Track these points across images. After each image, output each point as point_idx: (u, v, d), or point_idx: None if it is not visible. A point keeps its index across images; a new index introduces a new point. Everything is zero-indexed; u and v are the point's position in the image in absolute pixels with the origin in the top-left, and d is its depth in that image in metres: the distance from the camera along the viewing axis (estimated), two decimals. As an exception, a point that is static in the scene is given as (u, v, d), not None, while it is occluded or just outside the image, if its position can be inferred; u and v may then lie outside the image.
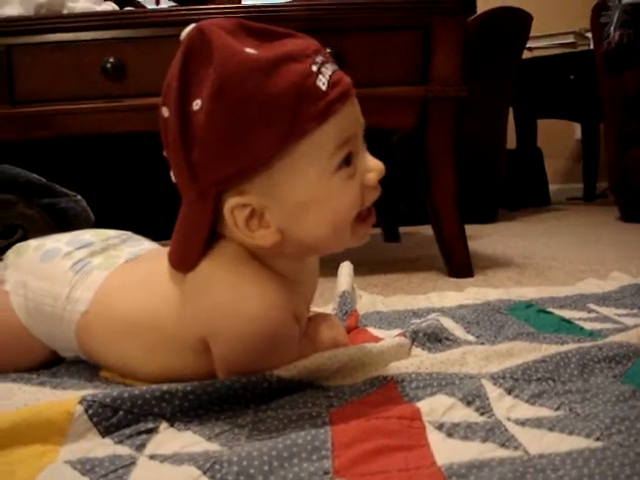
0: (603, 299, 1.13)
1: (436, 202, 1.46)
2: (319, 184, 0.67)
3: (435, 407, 0.65)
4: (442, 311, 1.06)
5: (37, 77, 1.39)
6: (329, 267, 1.23)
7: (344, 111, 0.66)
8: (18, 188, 2.18)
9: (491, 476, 0.51)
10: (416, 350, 0.85)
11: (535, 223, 2.71)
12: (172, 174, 0.70)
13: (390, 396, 0.70)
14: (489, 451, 0.57)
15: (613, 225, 2.50)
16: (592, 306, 1.09)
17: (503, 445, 0.58)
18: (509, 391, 0.69)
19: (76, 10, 1.43)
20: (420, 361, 0.78)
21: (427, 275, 1.50)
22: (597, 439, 0.58)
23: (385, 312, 1.09)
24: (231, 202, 0.67)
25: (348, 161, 0.67)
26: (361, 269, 1.62)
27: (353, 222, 0.70)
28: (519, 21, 2.60)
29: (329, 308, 1.07)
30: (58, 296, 0.81)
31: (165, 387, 0.68)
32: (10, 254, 0.90)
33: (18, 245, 0.91)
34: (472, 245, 2.00)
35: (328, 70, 0.66)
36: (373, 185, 0.69)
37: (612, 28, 2.37)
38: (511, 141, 3.33)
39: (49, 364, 0.89)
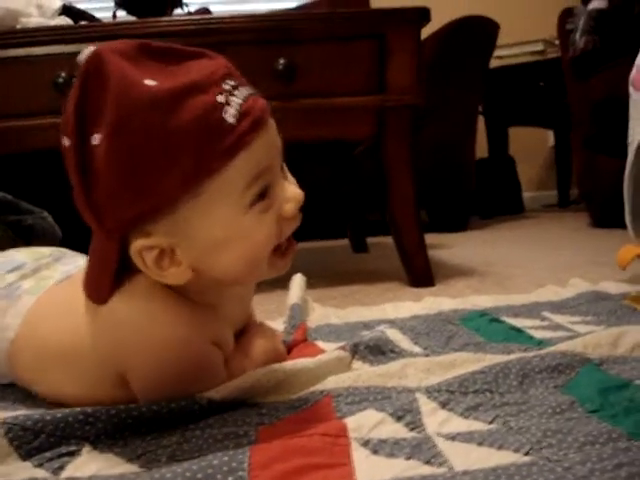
0: (559, 307, 1.12)
1: (395, 211, 1.45)
2: (231, 222, 0.63)
3: (363, 423, 0.63)
4: (393, 322, 1.04)
5: (-11, 93, 1.37)
6: (283, 279, 1.22)
7: (257, 142, 0.62)
8: (-18, 205, 2.16)
9: (408, 495, 0.49)
10: (357, 363, 0.83)
11: (506, 231, 2.71)
12: (75, 201, 0.65)
13: (322, 412, 0.68)
14: (412, 468, 0.55)
15: (583, 231, 2.50)
16: (546, 314, 1.08)
17: (428, 462, 0.56)
18: (443, 405, 0.67)
19: (30, 25, 1.41)
20: (358, 375, 0.76)
21: (388, 286, 1.49)
22: (526, 453, 0.56)
23: (336, 324, 1.07)
24: (137, 244, 0.63)
25: (263, 194, 0.64)
26: (322, 280, 1.60)
27: (271, 255, 0.67)
28: (485, 30, 2.61)
29: (280, 322, 1.05)
30: None
31: (89, 410, 0.66)
32: None
33: None
34: (438, 254, 2.00)
35: (238, 98, 0.61)
36: (291, 216, 0.66)
37: (578, 35, 2.38)
38: (483, 150, 3.34)
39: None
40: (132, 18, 1.57)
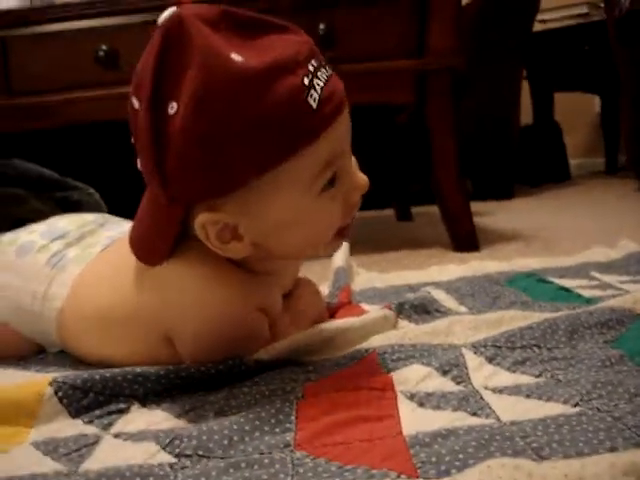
0: (607, 267, 1.10)
1: (438, 176, 1.43)
2: (301, 207, 0.63)
3: (409, 377, 0.63)
4: (438, 284, 1.03)
5: (33, 67, 1.39)
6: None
7: (335, 127, 0.61)
8: (29, 183, 2.19)
9: (455, 444, 0.49)
10: (402, 322, 0.83)
11: (552, 198, 2.66)
12: (139, 163, 0.66)
13: (369, 368, 0.68)
14: (459, 420, 0.54)
15: (631, 197, 2.44)
16: (594, 274, 1.06)
17: (475, 414, 0.55)
18: (490, 359, 0.66)
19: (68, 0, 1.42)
20: (404, 332, 0.76)
21: (433, 252, 1.47)
22: (575, 405, 0.55)
23: (380, 288, 1.07)
24: (202, 217, 0.63)
25: (332, 180, 0.64)
26: (366, 248, 1.60)
27: (335, 236, 0.68)
28: (527, -7, 2.56)
29: (325, 285, 1.05)
30: (35, 293, 0.80)
31: (138, 370, 0.67)
32: None
33: None
34: (483, 221, 1.98)
35: (321, 80, 0.60)
36: (357, 203, 0.67)
37: (624, -6, 2.31)
38: (528, 116, 3.27)
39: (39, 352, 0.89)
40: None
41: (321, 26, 1.34)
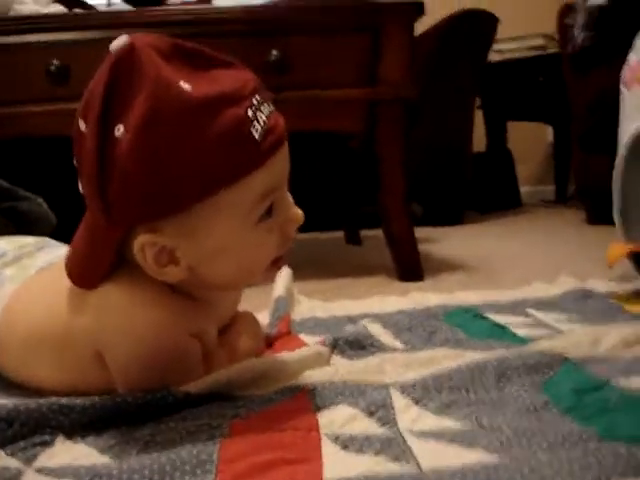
0: (545, 304, 1.11)
1: (385, 204, 1.45)
2: (237, 234, 0.65)
3: (335, 418, 0.63)
4: (377, 316, 1.04)
5: (-18, 78, 1.37)
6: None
7: (275, 160, 0.64)
8: (-24, 191, 2.15)
9: (372, 492, 0.49)
10: (336, 358, 0.83)
11: (502, 225, 2.70)
12: (80, 185, 0.66)
13: (297, 407, 0.68)
14: (379, 465, 0.55)
15: (578, 227, 2.49)
16: (531, 311, 1.07)
17: (396, 459, 0.56)
18: (417, 401, 0.67)
19: (23, 12, 1.40)
20: (336, 369, 0.76)
21: (377, 280, 1.49)
22: (494, 452, 0.56)
23: (321, 318, 1.07)
24: (142, 238, 0.64)
25: (269, 212, 0.66)
26: (312, 273, 1.60)
27: (270, 265, 0.71)
28: (485, 24, 2.60)
29: (265, 314, 1.05)
30: None
31: (64, 400, 0.66)
32: None
33: None
34: (430, 248, 2.00)
35: (263, 114, 0.62)
36: (292, 235, 0.70)
37: (577, 30, 2.37)
38: (481, 143, 3.33)
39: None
40: (126, 7, 1.56)
41: (274, 52, 1.35)
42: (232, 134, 0.60)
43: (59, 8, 1.47)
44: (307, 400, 0.69)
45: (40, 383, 0.78)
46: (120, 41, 0.61)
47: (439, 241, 2.20)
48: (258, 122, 0.61)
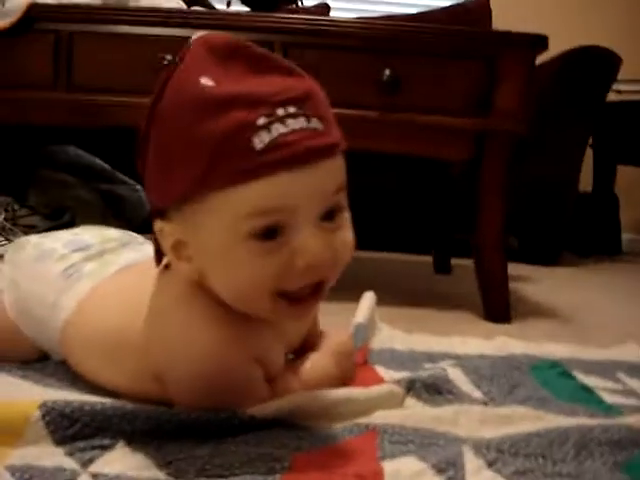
0: (637, 369, 1.05)
1: (480, 238, 1.40)
2: (225, 245, 0.61)
3: (402, 470, 0.60)
4: (459, 359, 1.00)
5: (95, 66, 1.40)
6: (357, 292, 1.20)
7: (278, 179, 0.58)
8: (79, 170, 2.22)
9: None
10: (410, 400, 0.79)
11: (600, 272, 2.59)
12: None
13: (363, 448, 0.65)
14: (443, 531, 0.51)
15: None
16: (621, 376, 1.01)
17: (462, 526, 0.52)
18: (490, 464, 0.63)
19: (142, 4, 1.43)
20: (408, 414, 0.73)
21: (462, 315, 1.44)
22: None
23: (399, 351, 1.04)
24: (157, 223, 0.66)
25: (273, 234, 0.60)
26: (396, 298, 1.57)
27: (277, 297, 0.63)
28: (605, 63, 2.49)
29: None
30: (45, 300, 0.81)
31: (129, 407, 0.66)
32: (10, 249, 0.90)
33: (19, 240, 0.91)
34: (522, 288, 1.93)
35: (285, 127, 0.58)
36: (299, 269, 0.60)
37: None
38: (587, 183, 3.21)
39: (44, 358, 0.89)
40: (244, 9, 1.57)
41: (386, 71, 1.32)
42: (229, 137, 0.57)
43: (179, 4, 1.49)
44: (374, 443, 0.66)
45: (101, 383, 0.78)
46: (192, 37, 0.63)
47: (532, 281, 2.12)
48: (268, 132, 0.57)
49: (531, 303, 1.68)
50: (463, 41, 1.36)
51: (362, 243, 2.36)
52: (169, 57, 1.34)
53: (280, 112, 0.58)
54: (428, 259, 2.21)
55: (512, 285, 1.94)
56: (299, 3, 1.61)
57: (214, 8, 1.56)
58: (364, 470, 0.59)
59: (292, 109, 0.58)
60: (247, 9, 1.57)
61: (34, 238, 0.90)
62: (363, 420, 0.71)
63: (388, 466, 0.60)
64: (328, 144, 0.61)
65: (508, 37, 1.36)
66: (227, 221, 0.60)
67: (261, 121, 0.57)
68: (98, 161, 2.28)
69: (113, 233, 0.91)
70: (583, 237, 3.12)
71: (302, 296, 0.63)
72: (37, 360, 0.88)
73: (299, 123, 0.59)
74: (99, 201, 2.16)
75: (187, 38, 1.31)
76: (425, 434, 0.69)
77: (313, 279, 0.62)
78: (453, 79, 1.35)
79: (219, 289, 0.65)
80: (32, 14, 1.38)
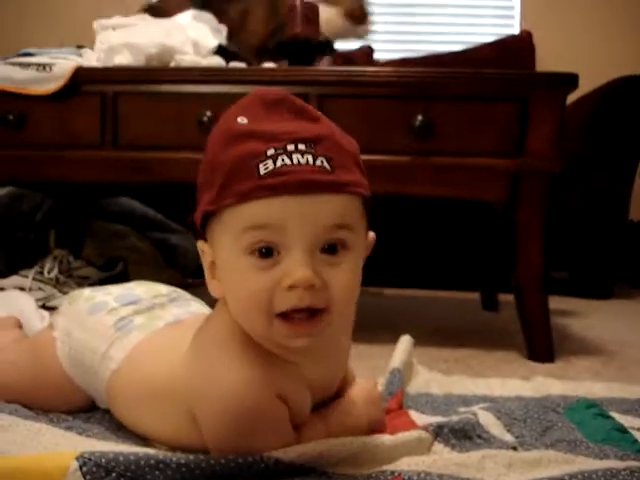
0: (677, 408, 1.03)
1: (520, 279, 1.40)
2: (229, 260, 0.68)
3: (421, 517, 0.61)
4: (493, 401, 1.01)
5: (140, 124, 1.46)
6: (396, 335, 1.21)
7: (278, 203, 0.64)
8: (132, 220, 2.30)
9: None
10: (438, 446, 0.80)
11: (654, 304, 2.54)
12: None
13: (387, 496, 0.67)
14: None
15: None
16: (660, 415, 1.00)
17: None
18: (511, 509, 0.64)
19: (183, 63, 1.49)
20: (434, 460, 0.74)
21: (506, 355, 1.43)
22: None
23: (435, 395, 1.05)
24: (199, 243, 0.73)
25: (268, 254, 0.66)
26: (439, 336, 1.58)
27: (275, 318, 0.66)
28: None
29: (380, 382, 1.04)
30: (96, 350, 0.85)
31: (161, 456, 0.68)
32: (64, 301, 0.95)
33: (73, 293, 0.95)
34: (570, 323, 1.91)
35: (291, 161, 0.64)
36: (284, 287, 0.65)
37: None
38: (640, 213, 3.16)
39: (92, 408, 0.93)
40: (281, 61, 1.62)
41: (419, 117, 1.35)
42: (239, 162, 0.65)
43: (218, 60, 1.55)
44: (398, 490, 0.68)
45: (146, 433, 0.82)
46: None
47: (582, 316, 2.10)
48: (274, 162, 0.64)
49: (578, 340, 1.66)
50: (494, 84, 1.38)
51: (410, 281, 2.37)
52: (208, 113, 1.40)
53: (290, 147, 0.65)
54: (476, 296, 2.21)
55: (560, 321, 1.94)
56: (335, 53, 1.65)
57: (251, 63, 1.62)
58: (384, 518, 0.60)
59: (302, 146, 0.65)
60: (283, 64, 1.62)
61: (87, 291, 0.94)
62: (389, 467, 0.72)
63: (408, 513, 0.62)
64: (329, 181, 0.66)
65: (539, 77, 1.38)
66: (232, 234, 0.67)
67: (270, 152, 0.65)
68: (151, 211, 2.36)
69: (162, 289, 0.96)
70: (637, 267, 3.07)
71: (296, 320, 0.66)
72: (85, 410, 0.92)
73: (305, 159, 0.65)
74: (152, 250, 2.23)
75: (227, 94, 1.39)
76: (450, 480, 0.70)
77: (301, 302, 0.65)
78: (485, 121, 1.37)
79: (229, 306, 0.71)
80: (78, 77, 1.45)
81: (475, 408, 0.94)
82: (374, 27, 2.00)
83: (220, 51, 1.57)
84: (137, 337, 0.84)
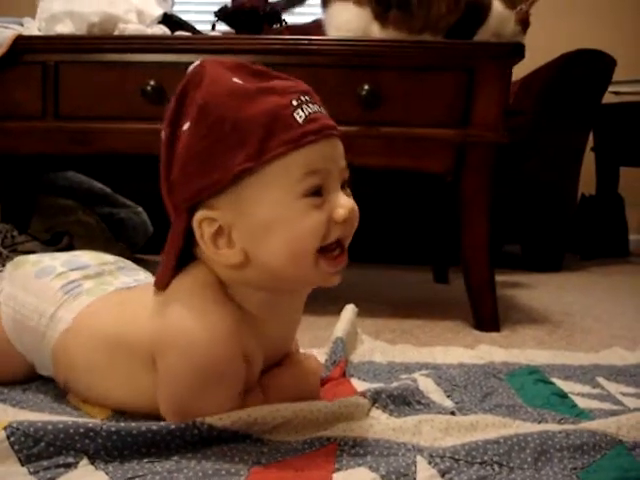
0: (617, 373, 1.05)
1: (466, 249, 1.41)
2: (283, 205, 0.68)
3: (350, 482, 0.61)
4: (435, 368, 1.01)
5: (82, 94, 1.42)
6: (339, 304, 1.21)
7: (318, 146, 0.69)
8: (79, 195, 2.25)
9: None
10: (376, 412, 0.81)
11: (603, 275, 2.57)
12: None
13: (320, 461, 0.67)
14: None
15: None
16: (600, 380, 1.01)
17: (403, 535, 0.53)
18: (443, 473, 0.64)
19: (127, 32, 1.46)
20: (369, 425, 0.74)
21: (452, 325, 1.44)
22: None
23: (378, 363, 1.05)
24: (199, 214, 0.70)
25: (318, 193, 0.70)
26: (389, 309, 1.58)
27: (319, 256, 0.70)
28: (600, 65, 2.49)
29: (323, 352, 1.04)
30: (43, 313, 0.83)
31: (90, 424, 0.67)
32: (9, 266, 0.93)
33: (18, 258, 0.93)
34: (519, 294, 1.94)
35: (310, 109, 0.69)
36: (340, 219, 0.70)
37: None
38: (591, 187, 3.20)
39: (30, 379, 0.91)
40: (228, 31, 1.59)
41: (365, 86, 1.34)
42: (273, 114, 0.67)
43: (162, 30, 1.51)
44: (332, 456, 0.68)
45: (91, 394, 0.82)
46: (193, 64, 0.72)
47: (530, 287, 2.12)
48: (302, 110, 0.68)
49: (524, 310, 1.68)
50: (440, 54, 1.37)
51: (361, 256, 2.35)
52: (152, 83, 1.37)
53: (302, 98, 0.69)
54: (427, 270, 2.22)
55: (509, 292, 1.96)
56: (284, 23, 1.63)
57: (198, 32, 1.58)
58: (313, 482, 0.60)
59: (307, 97, 0.70)
60: (231, 33, 1.59)
61: (33, 256, 0.93)
62: (325, 433, 0.72)
63: (338, 477, 0.62)
64: (336, 125, 0.72)
65: (484, 47, 1.37)
66: (286, 185, 0.68)
67: (294, 102, 0.68)
68: (99, 185, 2.31)
69: (109, 257, 0.95)
70: (589, 241, 3.11)
71: (335, 254, 0.72)
72: (22, 382, 0.90)
73: (315, 107, 0.70)
74: (100, 224, 2.19)
75: (172, 63, 1.36)
76: (385, 445, 0.70)
77: (349, 230, 0.72)
78: (432, 92, 1.36)
79: (271, 257, 0.70)
80: (19, 47, 1.41)
81: (415, 375, 0.94)
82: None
83: (165, 20, 1.54)
84: (86, 300, 0.83)
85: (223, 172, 0.68)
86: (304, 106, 0.69)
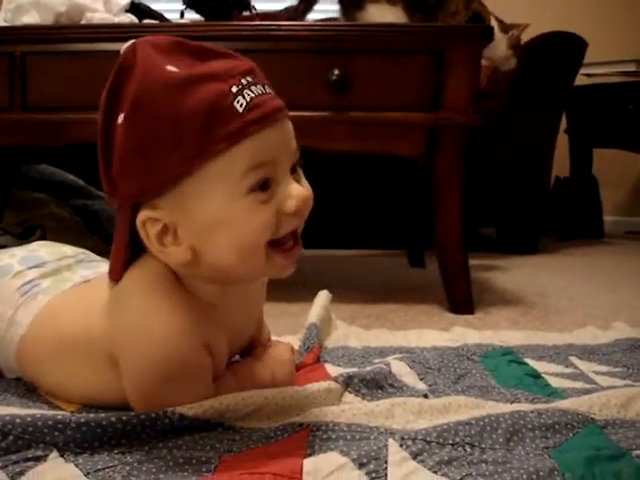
0: (589, 352, 1.06)
1: (439, 233, 1.41)
2: (227, 205, 0.66)
3: (322, 466, 0.61)
4: (409, 352, 1.01)
5: (50, 85, 1.41)
6: (314, 292, 1.21)
7: (262, 135, 0.65)
8: (52, 188, 2.23)
9: None
10: (349, 397, 0.80)
11: (578, 257, 2.59)
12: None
13: (292, 447, 0.66)
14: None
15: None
16: (573, 359, 1.02)
17: (375, 518, 0.53)
18: (415, 455, 0.64)
19: (94, 21, 1.44)
20: (342, 410, 0.74)
21: (426, 308, 1.45)
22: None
23: (352, 348, 1.05)
24: (142, 215, 0.67)
25: (265, 186, 0.66)
26: (363, 294, 1.58)
27: (269, 250, 0.68)
28: (572, 47, 2.50)
29: (297, 338, 1.04)
30: (2, 317, 0.82)
31: (59, 416, 0.67)
32: None
33: None
34: (494, 277, 1.94)
35: (252, 93, 0.65)
36: (290, 211, 0.67)
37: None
38: (565, 169, 3.22)
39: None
40: (197, 18, 1.58)
41: (335, 71, 1.33)
42: (211, 105, 0.63)
43: (130, 18, 1.50)
44: (304, 442, 0.67)
45: (63, 389, 0.80)
46: (126, 44, 0.67)
47: (506, 270, 2.13)
48: (244, 97, 0.64)
49: (498, 292, 1.69)
50: (409, 37, 1.37)
51: (337, 242, 2.36)
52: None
53: (244, 81, 0.65)
54: (402, 254, 2.22)
55: (483, 275, 1.97)
56: (254, 10, 1.62)
57: (166, 20, 1.57)
58: (283, 469, 0.60)
59: (250, 79, 0.66)
60: (200, 18, 1.58)
61: None
62: (297, 419, 0.72)
63: (309, 463, 0.61)
64: (283, 105, 0.68)
65: (453, 30, 1.37)
66: (228, 183, 0.65)
67: (234, 89, 0.64)
68: (72, 177, 2.29)
69: (68, 250, 0.94)
70: (564, 223, 3.13)
71: (287, 246, 0.70)
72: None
73: (259, 89, 0.66)
74: (74, 217, 2.17)
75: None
76: (357, 429, 0.70)
77: (299, 222, 0.70)
78: (402, 75, 1.36)
79: (219, 256, 0.68)
80: (-16, 37, 1.39)
81: (389, 358, 0.94)
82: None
83: (133, 9, 1.52)
84: (43, 301, 0.81)
85: (162, 174, 0.65)
86: (246, 91, 0.64)
